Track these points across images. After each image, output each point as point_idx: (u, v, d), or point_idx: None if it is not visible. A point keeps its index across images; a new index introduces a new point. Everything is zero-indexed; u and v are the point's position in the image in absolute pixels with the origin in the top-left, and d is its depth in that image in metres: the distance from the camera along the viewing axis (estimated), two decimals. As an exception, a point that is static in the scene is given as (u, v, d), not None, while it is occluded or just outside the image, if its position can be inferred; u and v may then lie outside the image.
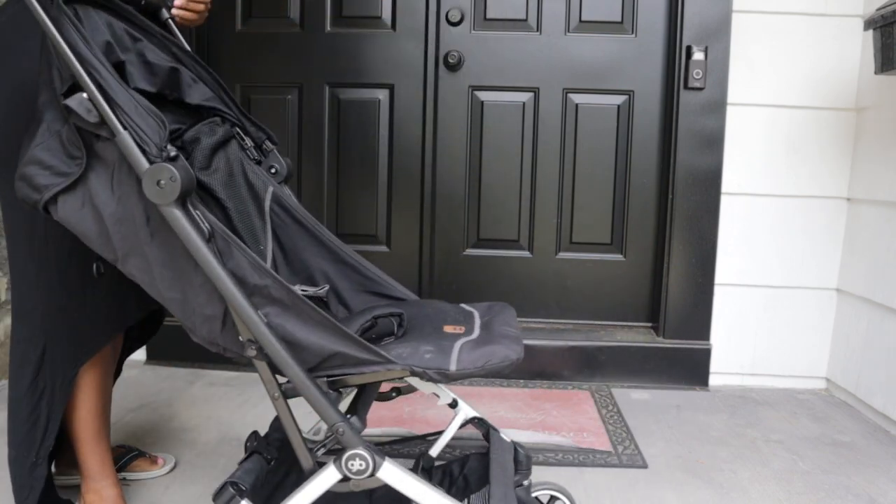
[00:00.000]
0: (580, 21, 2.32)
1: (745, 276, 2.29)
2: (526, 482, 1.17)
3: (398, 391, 1.33)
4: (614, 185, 2.39)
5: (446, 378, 0.99)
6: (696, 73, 2.19)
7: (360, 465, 0.98)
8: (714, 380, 2.31)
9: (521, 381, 2.29)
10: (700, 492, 1.57)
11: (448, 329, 1.16)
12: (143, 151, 0.94)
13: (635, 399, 2.17)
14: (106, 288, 1.29)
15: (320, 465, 1.03)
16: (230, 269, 0.96)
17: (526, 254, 2.43)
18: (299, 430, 1.02)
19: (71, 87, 0.96)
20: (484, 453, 1.23)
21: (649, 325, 2.41)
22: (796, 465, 1.72)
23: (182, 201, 0.94)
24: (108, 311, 1.32)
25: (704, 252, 2.27)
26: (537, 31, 2.34)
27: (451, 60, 2.33)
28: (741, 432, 1.92)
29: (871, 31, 1.79)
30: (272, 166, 1.33)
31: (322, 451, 1.04)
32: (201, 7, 1.36)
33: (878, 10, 1.73)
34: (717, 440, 1.86)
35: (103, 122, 0.94)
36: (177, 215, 0.94)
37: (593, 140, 2.37)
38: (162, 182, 0.92)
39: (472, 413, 1.31)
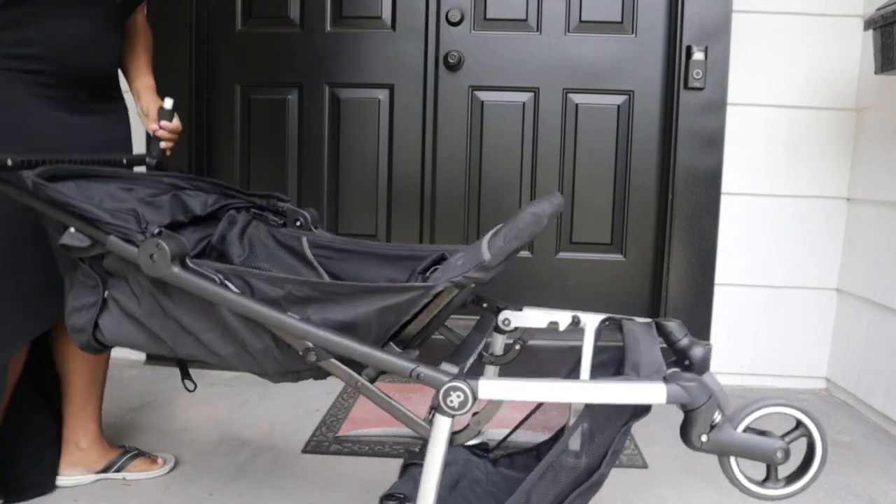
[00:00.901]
0: (580, 21, 2.32)
1: (745, 276, 2.29)
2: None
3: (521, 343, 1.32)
4: (614, 185, 2.38)
5: (486, 270, 0.93)
6: (696, 73, 2.19)
7: (458, 396, 0.93)
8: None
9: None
10: (700, 492, 1.57)
11: None
12: (131, 242, 1.01)
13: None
14: (33, 285, 1.33)
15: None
16: (257, 297, 1.00)
17: (526, 254, 2.43)
18: (399, 405, 1.00)
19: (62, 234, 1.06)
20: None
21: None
22: (796, 464, 1.72)
23: (180, 263, 0.99)
24: (35, 307, 1.35)
25: (704, 252, 2.27)
26: (537, 31, 2.34)
27: (451, 60, 2.33)
28: (741, 432, 1.92)
29: (871, 31, 1.79)
30: (296, 220, 1.40)
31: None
32: (175, 137, 1.49)
33: (878, 10, 1.73)
34: (717, 440, 1.86)
35: (95, 240, 1.03)
36: (182, 276, 0.99)
37: (593, 140, 2.37)
38: (154, 256, 0.98)
39: (599, 317, 1.25)
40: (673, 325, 1.14)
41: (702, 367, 1.10)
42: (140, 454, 1.60)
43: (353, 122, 2.42)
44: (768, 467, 0.98)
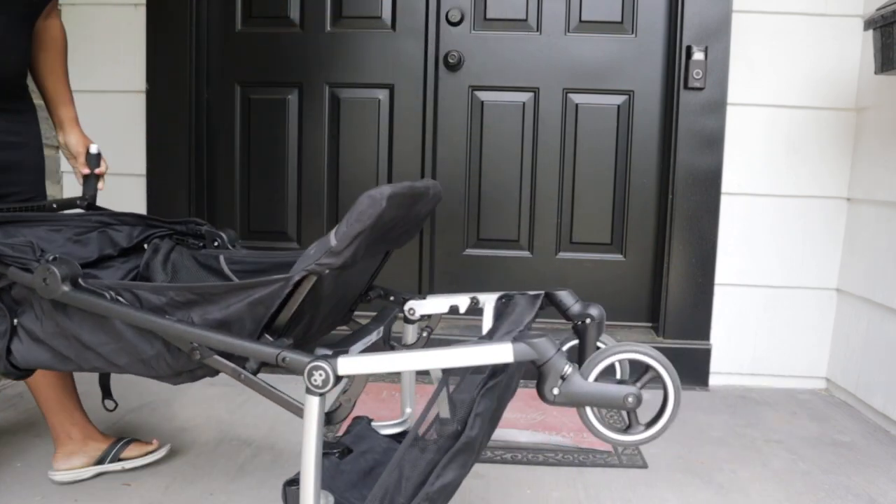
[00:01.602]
0: (580, 21, 2.32)
1: (745, 276, 2.29)
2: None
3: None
4: (614, 185, 2.39)
5: (335, 255, 0.98)
6: (696, 73, 2.19)
7: (321, 375, 0.96)
8: (714, 380, 2.31)
9: (522, 381, 2.28)
10: (700, 492, 1.57)
11: None
12: (27, 270, 1.09)
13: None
14: None
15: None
16: (147, 309, 1.07)
17: (526, 254, 2.43)
18: (279, 391, 1.05)
19: None
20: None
21: (649, 325, 2.41)
22: (796, 465, 1.72)
23: (72, 283, 1.07)
24: None
25: (704, 252, 2.27)
26: (537, 31, 2.34)
27: (451, 60, 2.33)
28: (741, 432, 1.92)
29: (871, 31, 1.79)
30: (214, 240, 1.48)
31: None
32: (100, 178, 1.57)
33: (878, 10, 1.73)
34: (717, 440, 1.86)
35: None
36: (74, 295, 1.06)
37: (593, 140, 2.37)
38: (46, 279, 1.06)
39: (496, 295, 1.27)
40: (563, 294, 1.19)
41: (597, 328, 1.16)
42: (134, 440, 1.61)
43: (353, 122, 2.42)
44: (628, 414, 1.00)
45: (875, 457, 1.78)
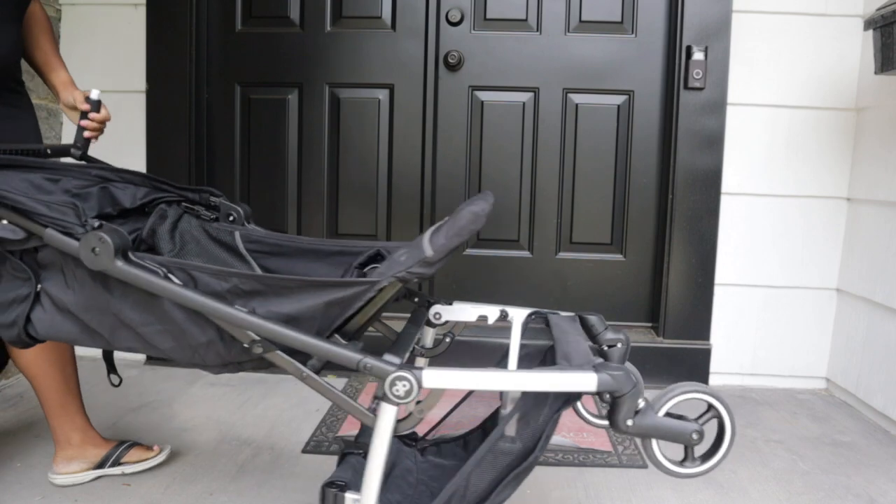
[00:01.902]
0: (580, 21, 2.32)
1: (744, 276, 2.29)
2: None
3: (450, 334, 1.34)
4: (614, 185, 2.39)
5: (428, 265, 0.98)
6: (696, 73, 2.19)
7: (404, 385, 0.96)
8: (714, 380, 2.31)
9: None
10: (700, 492, 1.57)
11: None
12: (70, 235, 1.00)
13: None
14: None
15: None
16: (201, 291, 1.01)
17: (526, 254, 2.43)
18: (343, 395, 1.03)
19: None
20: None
21: (649, 325, 2.41)
22: (796, 465, 1.72)
23: (123, 256, 0.99)
24: None
25: (704, 252, 2.27)
26: (537, 31, 2.34)
27: (451, 60, 2.33)
28: (741, 432, 1.92)
29: (871, 31, 1.79)
30: (229, 215, 1.38)
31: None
32: (102, 127, 1.47)
33: (878, 10, 1.74)
34: (717, 440, 1.86)
35: (30, 233, 1.02)
36: (126, 270, 0.99)
37: (593, 140, 2.37)
38: (96, 249, 0.98)
39: (526, 311, 1.28)
40: (594, 319, 1.21)
41: (622, 357, 1.16)
42: (135, 444, 1.61)
43: (353, 122, 2.42)
44: (686, 448, 1.05)
45: (875, 457, 1.78)
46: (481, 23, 2.35)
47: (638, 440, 1.04)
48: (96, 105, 1.44)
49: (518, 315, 1.27)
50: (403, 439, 1.31)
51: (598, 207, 2.40)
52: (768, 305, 2.30)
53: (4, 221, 1.03)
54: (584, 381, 0.96)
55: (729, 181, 2.26)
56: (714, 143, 2.23)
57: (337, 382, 2.22)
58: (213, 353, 1.03)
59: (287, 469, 1.63)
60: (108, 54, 2.35)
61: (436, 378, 0.97)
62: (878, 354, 2.03)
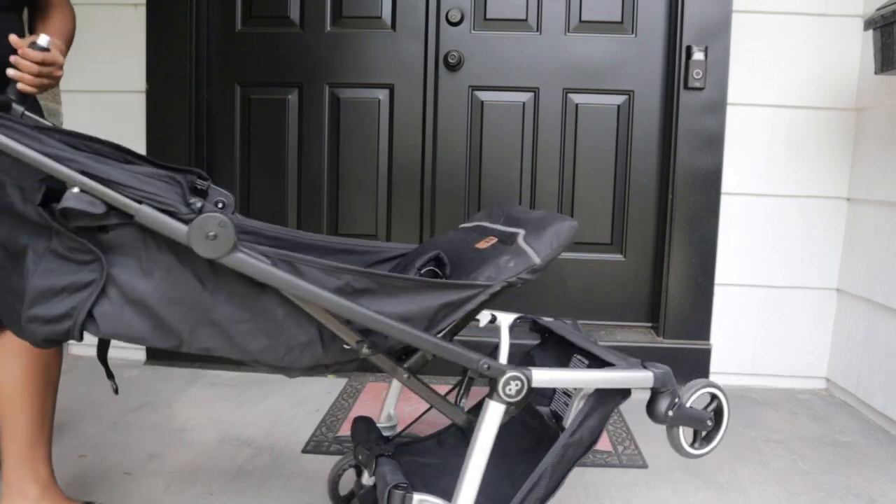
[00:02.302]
0: (580, 21, 2.32)
1: (744, 276, 2.29)
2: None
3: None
4: (614, 185, 2.39)
5: (535, 272, 1.06)
6: (696, 73, 2.19)
7: (516, 385, 1.02)
8: (714, 380, 2.30)
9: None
10: (700, 492, 1.57)
11: (483, 245, 1.19)
12: (171, 215, 0.86)
13: (635, 399, 2.16)
14: None
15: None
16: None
17: (526, 254, 2.43)
18: (439, 395, 1.06)
19: (46, 192, 0.86)
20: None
21: (649, 325, 2.41)
22: (796, 465, 1.72)
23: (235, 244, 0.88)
24: None
25: (704, 252, 2.27)
26: (537, 31, 2.34)
27: (451, 60, 2.33)
28: (741, 432, 1.92)
29: (871, 31, 1.79)
30: (217, 202, 1.21)
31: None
32: (46, 72, 1.14)
33: (878, 10, 1.73)
34: (717, 440, 1.86)
35: (111, 208, 0.85)
36: (243, 259, 0.87)
37: (593, 140, 2.37)
38: (212, 234, 0.85)
39: (513, 316, 1.33)
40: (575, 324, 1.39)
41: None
42: None
43: (353, 122, 2.42)
44: (696, 432, 1.23)
45: (875, 457, 1.78)
46: (481, 23, 2.35)
47: (664, 428, 1.20)
48: (39, 47, 1.12)
49: (505, 319, 1.32)
50: (378, 441, 1.29)
51: (598, 207, 2.40)
52: (768, 305, 2.30)
53: (76, 190, 0.84)
54: (643, 377, 1.13)
55: (729, 181, 2.26)
56: (714, 143, 2.23)
57: (337, 382, 2.22)
58: (308, 355, 0.98)
59: (287, 469, 1.63)
60: (108, 54, 2.35)
61: (542, 377, 1.05)
62: (878, 354, 2.03)
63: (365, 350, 0.98)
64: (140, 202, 0.85)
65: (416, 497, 1.04)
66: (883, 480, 1.65)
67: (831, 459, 1.76)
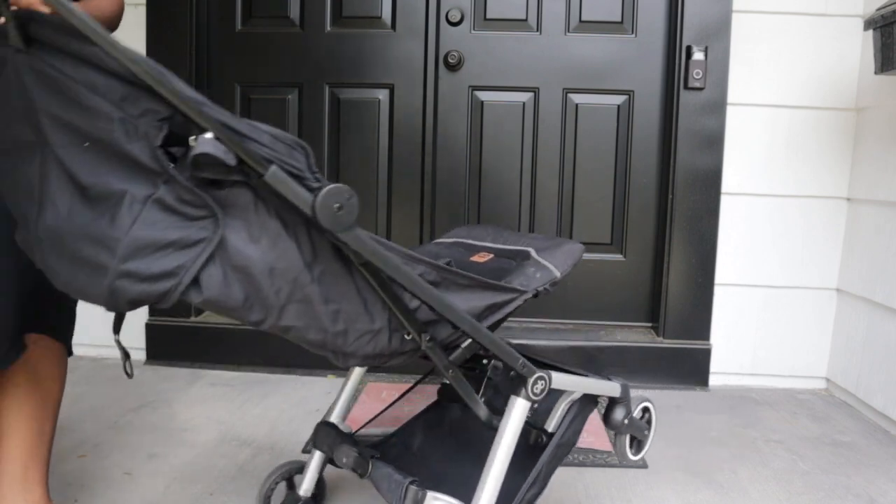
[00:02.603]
0: (580, 21, 2.32)
1: (744, 276, 2.29)
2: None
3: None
4: (614, 184, 2.39)
5: (555, 285, 1.18)
6: (696, 73, 2.19)
7: (542, 384, 1.10)
8: (714, 380, 2.31)
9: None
10: (700, 492, 1.57)
11: (480, 259, 1.31)
12: (299, 181, 0.79)
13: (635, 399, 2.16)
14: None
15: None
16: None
17: (526, 254, 2.43)
18: (473, 391, 1.13)
19: (168, 135, 0.77)
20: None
21: (649, 325, 2.41)
22: (796, 465, 1.72)
23: None
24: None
25: (704, 252, 2.27)
26: (537, 31, 2.34)
27: (451, 60, 2.33)
28: (741, 432, 1.92)
29: (871, 31, 1.79)
30: None
31: None
32: None
33: (878, 10, 1.74)
34: (717, 440, 1.86)
35: (240, 162, 0.77)
36: (362, 236, 0.84)
37: (593, 140, 2.37)
38: (338, 205, 0.80)
39: None
40: None
41: None
42: None
43: (353, 122, 2.42)
44: (632, 439, 1.38)
45: (875, 457, 1.79)
46: (481, 23, 2.35)
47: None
48: None
49: None
50: (352, 444, 1.29)
51: (598, 207, 2.40)
52: (768, 305, 2.30)
53: (209, 135, 0.74)
54: (613, 387, 1.28)
55: (729, 181, 2.26)
56: (714, 143, 2.23)
57: (337, 382, 2.22)
58: (374, 343, 0.96)
59: (287, 469, 1.63)
60: (108, 54, 2.35)
61: (560, 380, 1.15)
62: (878, 354, 2.03)
63: (426, 342, 1.00)
64: (271, 162, 0.78)
65: (431, 494, 1.08)
66: (883, 480, 1.65)
67: (831, 459, 1.76)
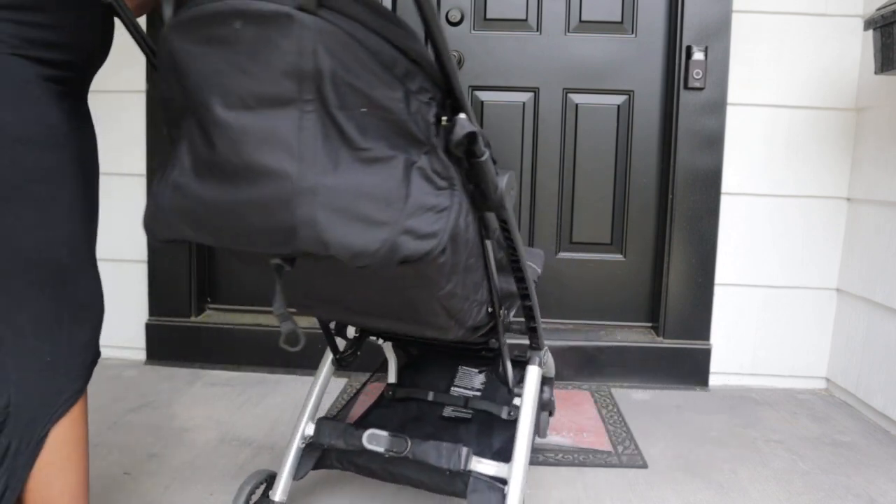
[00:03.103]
0: (580, 21, 2.32)
1: (744, 276, 2.29)
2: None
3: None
4: (614, 184, 2.38)
5: (535, 283, 1.27)
6: (696, 73, 2.19)
7: (549, 356, 1.34)
8: (714, 380, 2.31)
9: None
10: (700, 492, 1.57)
11: None
12: (494, 164, 0.87)
13: (635, 399, 2.17)
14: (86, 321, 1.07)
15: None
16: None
17: (526, 254, 2.43)
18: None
19: (438, 110, 0.85)
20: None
21: (649, 325, 2.41)
22: (796, 465, 1.72)
23: None
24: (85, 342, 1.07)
25: (704, 252, 2.27)
26: (537, 31, 2.34)
27: (451, 60, 2.32)
28: (741, 432, 1.92)
29: (871, 31, 1.79)
30: None
31: None
32: None
33: (878, 10, 1.74)
34: (717, 440, 1.86)
35: (471, 142, 0.84)
36: (512, 213, 0.97)
37: (593, 140, 2.37)
38: (513, 188, 0.92)
39: None
40: None
41: None
42: None
43: (353, 122, 2.42)
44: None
45: (875, 457, 1.79)
46: (481, 23, 2.35)
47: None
48: None
49: None
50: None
51: (598, 207, 2.40)
52: (768, 305, 2.29)
53: (463, 116, 0.84)
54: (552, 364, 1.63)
55: (729, 181, 2.26)
56: (714, 143, 2.23)
57: (337, 382, 2.22)
58: (477, 313, 1.04)
59: (287, 469, 1.63)
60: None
61: (548, 359, 1.40)
62: (878, 354, 2.03)
63: (505, 316, 1.13)
64: (489, 146, 0.86)
65: (474, 459, 1.20)
66: (883, 480, 1.65)
67: (831, 459, 1.76)
